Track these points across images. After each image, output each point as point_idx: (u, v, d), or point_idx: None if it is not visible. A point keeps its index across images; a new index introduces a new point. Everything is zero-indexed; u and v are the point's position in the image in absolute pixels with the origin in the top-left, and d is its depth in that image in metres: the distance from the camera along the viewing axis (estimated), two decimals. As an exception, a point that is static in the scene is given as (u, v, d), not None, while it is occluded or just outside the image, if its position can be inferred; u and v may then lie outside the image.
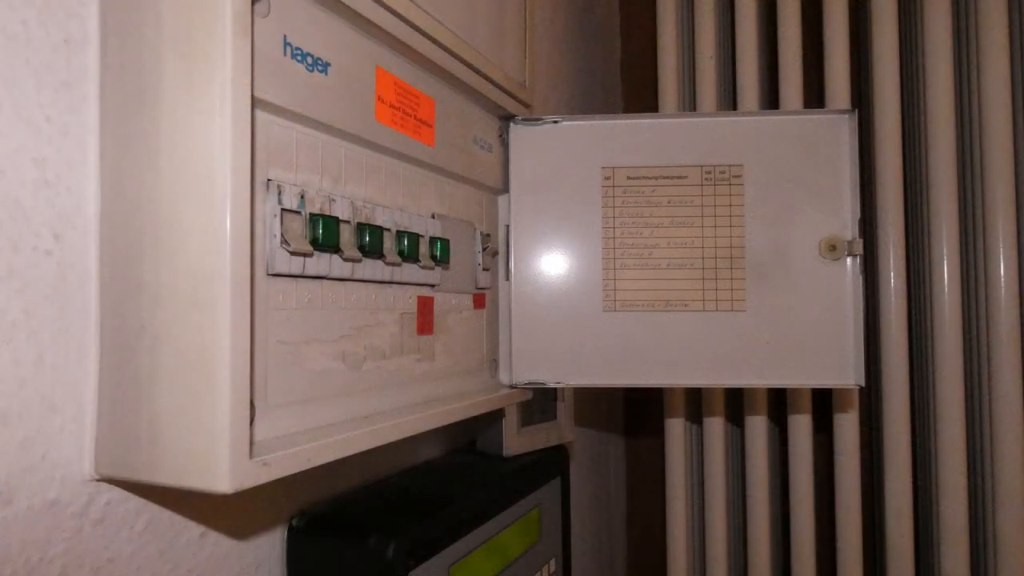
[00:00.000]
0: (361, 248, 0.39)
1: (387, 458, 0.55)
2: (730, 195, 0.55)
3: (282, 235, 0.34)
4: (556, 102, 0.88)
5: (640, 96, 1.14)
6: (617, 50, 1.15)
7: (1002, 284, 0.81)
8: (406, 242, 0.43)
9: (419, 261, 0.44)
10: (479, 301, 0.54)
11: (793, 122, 0.55)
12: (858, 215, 0.53)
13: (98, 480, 0.33)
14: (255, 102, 0.31)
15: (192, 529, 0.38)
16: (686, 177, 0.55)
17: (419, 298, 0.46)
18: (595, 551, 1.02)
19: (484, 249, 0.53)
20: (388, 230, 0.41)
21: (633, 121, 0.56)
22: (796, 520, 0.87)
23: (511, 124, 0.57)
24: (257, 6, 0.31)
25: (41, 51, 0.31)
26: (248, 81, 0.30)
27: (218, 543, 0.40)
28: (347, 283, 0.39)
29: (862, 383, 0.53)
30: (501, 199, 0.57)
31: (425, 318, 0.46)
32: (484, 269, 0.53)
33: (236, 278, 0.29)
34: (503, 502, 0.55)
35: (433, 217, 0.47)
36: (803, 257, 0.54)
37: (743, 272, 0.55)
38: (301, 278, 0.36)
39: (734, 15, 0.89)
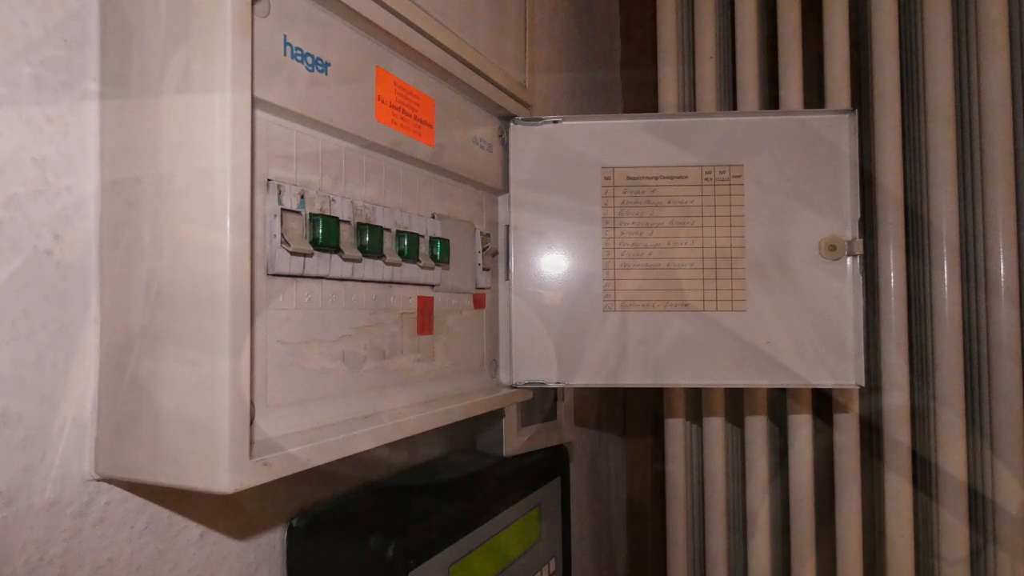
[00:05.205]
0: (361, 248, 0.39)
1: (387, 458, 0.55)
2: (730, 195, 0.55)
3: (282, 235, 0.34)
4: (556, 102, 0.88)
5: (640, 96, 1.13)
6: (617, 50, 1.15)
7: (1002, 284, 0.81)
8: (406, 242, 0.43)
9: (419, 261, 0.44)
10: (479, 301, 0.54)
11: (793, 122, 0.55)
12: (858, 215, 0.53)
13: (98, 480, 0.33)
14: (255, 102, 0.31)
15: (192, 529, 0.38)
16: (686, 177, 0.55)
17: (419, 298, 0.46)
18: (595, 551, 1.02)
19: (484, 249, 0.53)
20: (388, 230, 0.42)
21: (633, 121, 0.56)
22: (796, 520, 0.87)
23: (511, 124, 0.57)
24: (257, 6, 0.31)
25: (41, 51, 0.31)
26: (248, 81, 0.30)
27: (218, 543, 0.40)
28: (347, 283, 0.39)
29: (862, 383, 0.53)
30: (501, 199, 0.57)
31: (425, 318, 0.46)
32: (484, 269, 0.53)
33: (236, 278, 0.29)
34: (503, 502, 0.55)
35: (433, 217, 0.47)
36: (803, 257, 0.54)
37: (743, 272, 0.54)
38: (301, 278, 0.36)
39: (734, 15, 0.89)
